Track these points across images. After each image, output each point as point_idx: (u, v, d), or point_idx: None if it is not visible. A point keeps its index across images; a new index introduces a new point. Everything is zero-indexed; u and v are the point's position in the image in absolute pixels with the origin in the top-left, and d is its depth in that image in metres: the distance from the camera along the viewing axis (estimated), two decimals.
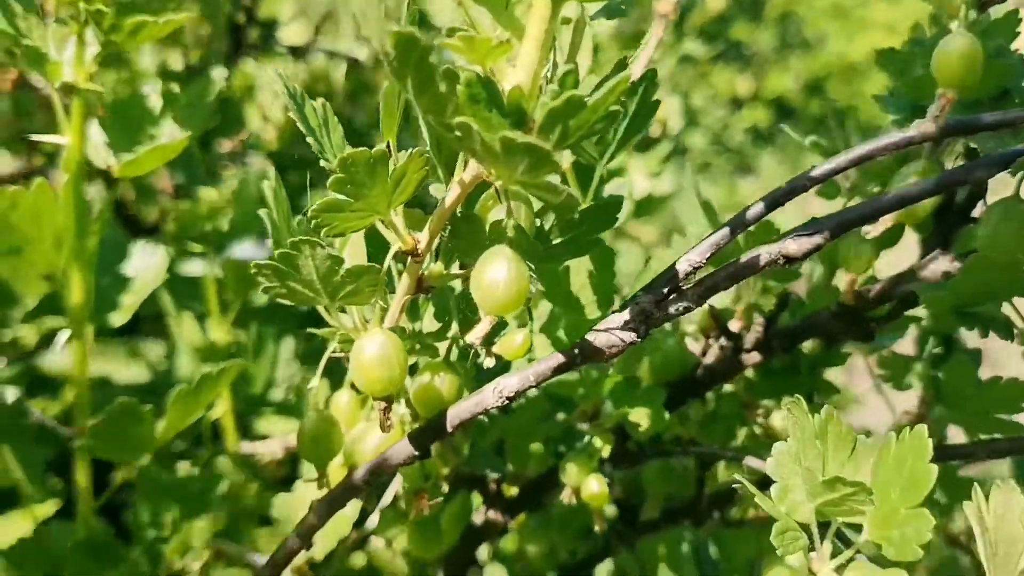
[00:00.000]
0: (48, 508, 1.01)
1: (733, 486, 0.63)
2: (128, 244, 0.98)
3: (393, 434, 0.70)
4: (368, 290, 0.64)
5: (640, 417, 0.78)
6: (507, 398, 0.62)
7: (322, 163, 0.56)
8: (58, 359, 1.46)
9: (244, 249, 1.23)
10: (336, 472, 0.76)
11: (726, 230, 0.62)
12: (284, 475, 1.31)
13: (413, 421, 0.71)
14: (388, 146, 0.55)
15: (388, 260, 0.61)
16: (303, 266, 0.61)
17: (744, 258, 0.62)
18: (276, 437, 1.24)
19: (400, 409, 0.70)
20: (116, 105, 0.87)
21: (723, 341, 0.84)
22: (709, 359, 0.85)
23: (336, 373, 1.19)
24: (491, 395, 0.63)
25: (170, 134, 0.87)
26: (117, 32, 0.74)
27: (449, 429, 0.65)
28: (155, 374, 1.47)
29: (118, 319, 0.94)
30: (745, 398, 0.89)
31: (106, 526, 0.98)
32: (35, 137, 0.81)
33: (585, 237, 0.66)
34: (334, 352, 0.72)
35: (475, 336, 0.53)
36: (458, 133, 0.47)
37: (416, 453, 0.66)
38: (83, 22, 0.76)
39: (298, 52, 1.52)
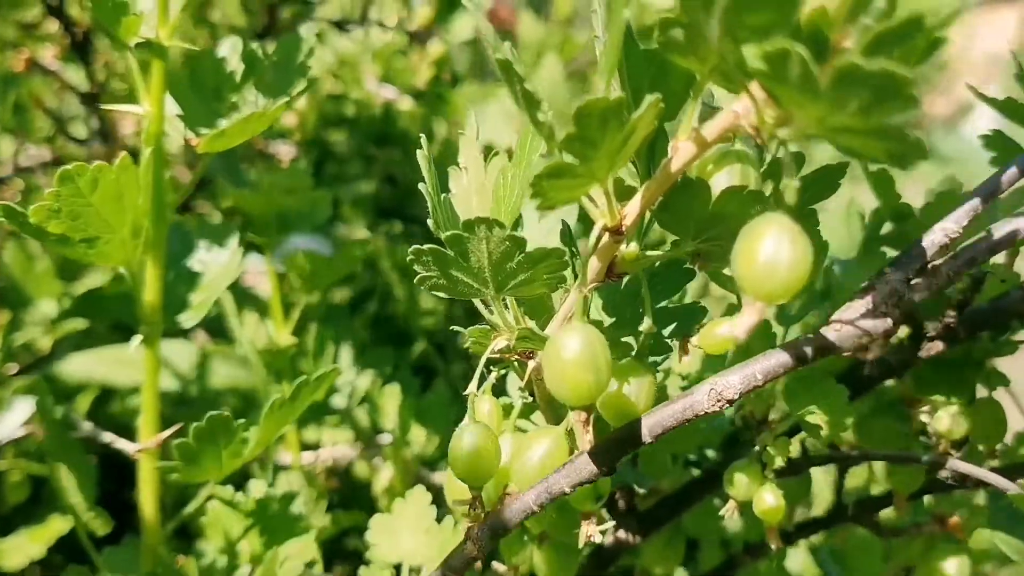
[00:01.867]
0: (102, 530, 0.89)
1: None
2: (194, 235, 0.86)
3: (557, 450, 0.59)
4: (545, 278, 0.53)
5: (819, 419, 0.67)
6: (728, 401, 0.52)
7: (539, 117, 0.45)
8: (77, 366, 1.34)
9: (299, 242, 1.12)
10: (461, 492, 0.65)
11: (978, 198, 0.52)
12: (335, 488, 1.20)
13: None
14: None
15: (594, 238, 0.49)
16: (474, 251, 0.51)
17: (1002, 228, 0.52)
18: (333, 446, 1.14)
19: (572, 417, 0.59)
20: (190, 69, 0.75)
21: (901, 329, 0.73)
22: (876, 350, 0.75)
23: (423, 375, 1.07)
24: (706, 398, 0.52)
25: (254, 103, 0.76)
26: None
27: (647, 440, 0.54)
28: (184, 382, 1.36)
29: (188, 320, 0.82)
30: (907, 394, 0.79)
31: (172, 556, 0.87)
32: (110, 107, 0.69)
33: (803, 207, 0.55)
34: (482, 352, 0.61)
35: (740, 329, 0.42)
36: (759, 64, 0.36)
37: (601, 470, 0.56)
38: None
39: (343, 26, 1.40)
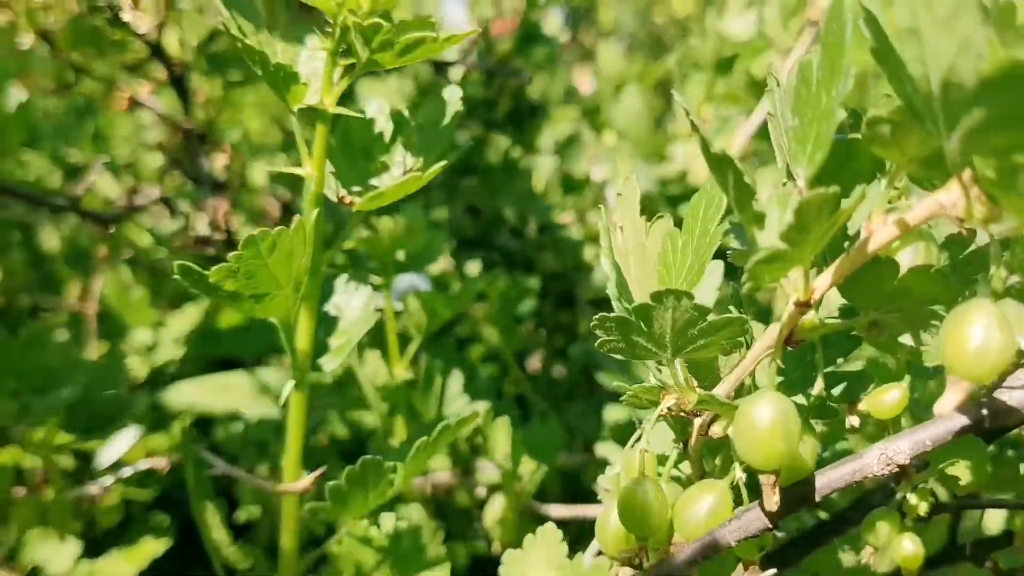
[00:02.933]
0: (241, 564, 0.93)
1: None
2: (331, 279, 0.89)
3: (722, 504, 0.62)
4: (724, 344, 0.56)
5: (960, 470, 0.70)
6: (898, 466, 0.55)
7: (755, 208, 0.48)
8: (180, 395, 1.38)
9: (406, 280, 1.16)
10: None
11: None
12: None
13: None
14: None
15: (786, 311, 0.52)
16: (658, 319, 0.54)
17: None
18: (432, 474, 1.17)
19: (738, 474, 0.62)
20: (342, 129, 0.79)
21: None
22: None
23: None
24: (875, 462, 0.55)
25: (402, 162, 0.79)
26: (387, 50, 0.66)
27: (817, 499, 0.57)
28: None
29: (328, 363, 0.86)
30: None
31: None
32: (277, 169, 0.72)
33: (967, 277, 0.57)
34: (638, 406, 0.64)
35: (946, 406, 0.45)
36: (990, 173, 0.39)
37: (770, 525, 0.58)
38: (339, 37, 0.68)
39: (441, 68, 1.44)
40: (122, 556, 1.30)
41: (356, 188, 0.78)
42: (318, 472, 0.83)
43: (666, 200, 1.40)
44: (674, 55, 1.52)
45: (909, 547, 0.70)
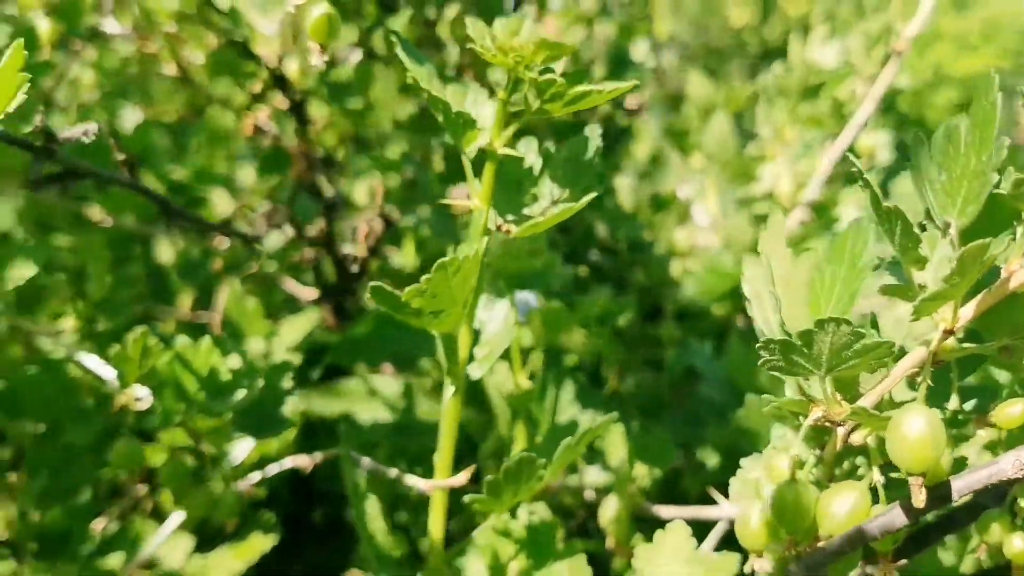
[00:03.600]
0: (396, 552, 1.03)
1: None
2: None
3: (863, 503, 0.70)
4: (871, 363, 0.64)
5: None
6: None
7: (922, 252, 0.56)
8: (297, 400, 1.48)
9: (521, 297, 1.25)
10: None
11: None
12: None
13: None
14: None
15: (936, 339, 0.61)
16: (818, 342, 0.62)
17: None
18: None
19: (876, 476, 0.70)
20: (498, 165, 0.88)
21: None
22: None
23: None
24: (1010, 467, 0.63)
25: (550, 193, 0.88)
26: (556, 101, 0.75)
27: (955, 498, 0.65)
28: (396, 413, 1.49)
29: (475, 372, 0.95)
30: None
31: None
32: (446, 201, 0.82)
33: None
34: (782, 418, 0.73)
35: None
36: None
37: (911, 521, 0.67)
38: (510, 88, 0.77)
39: None
40: (231, 552, 1.39)
41: (510, 217, 0.87)
42: (470, 469, 0.92)
43: (754, 219, 1.48)
44: (759, 81, 1.60)
45: (1019, 544, 0.78)
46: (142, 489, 1.46)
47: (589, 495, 1.25)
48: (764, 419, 1.20)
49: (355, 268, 1.64)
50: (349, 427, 1.44)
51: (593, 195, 0.81)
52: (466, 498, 0.90)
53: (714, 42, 3.16)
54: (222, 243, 1.70)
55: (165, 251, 1.80)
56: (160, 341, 0.96)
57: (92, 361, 1.02)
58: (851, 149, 1.50)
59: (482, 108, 0.82)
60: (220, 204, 1.71)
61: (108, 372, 1.00)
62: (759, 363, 0.67)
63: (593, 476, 1.27)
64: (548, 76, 0.73)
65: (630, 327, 1.55)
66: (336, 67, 1.46)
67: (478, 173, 0.82)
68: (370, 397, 1.48)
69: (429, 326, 0.82)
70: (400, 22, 1.25)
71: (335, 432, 1.44)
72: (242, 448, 1.27)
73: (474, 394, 1.25)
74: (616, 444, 1.11)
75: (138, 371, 0.96)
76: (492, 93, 0.84)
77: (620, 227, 1.59)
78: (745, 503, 0.83)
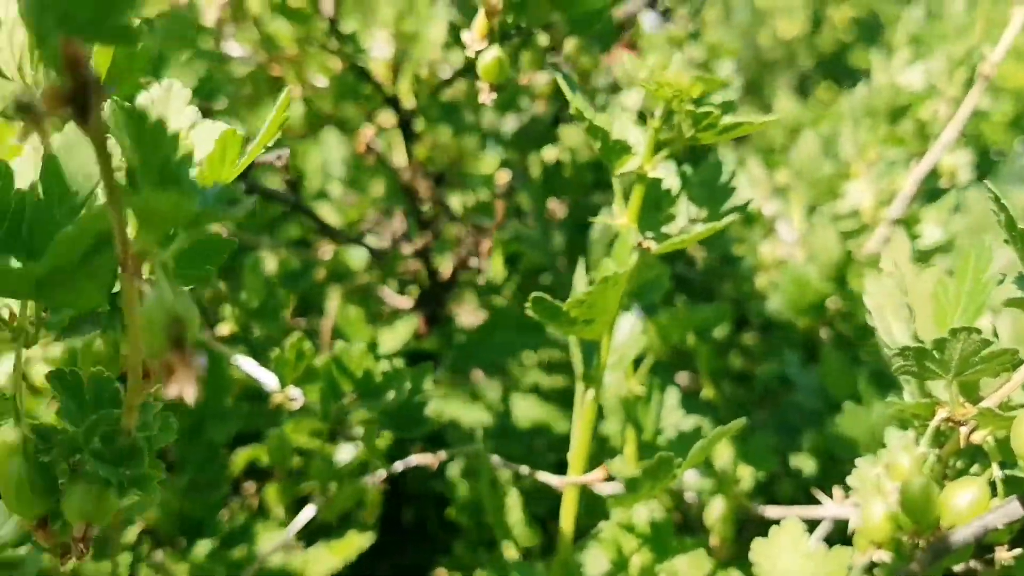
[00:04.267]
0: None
1: None
2: None
3: (983, 496, 0.77)
4: (996, 368, 0.71)
5: None
6: None
7: None
8: None
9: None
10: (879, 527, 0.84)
11: None
12: None
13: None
14: None
15: None
16: (949, 348, 0.69)
17: None
18: None
19: (996, 471, 0.77)
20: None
21: None
22: None
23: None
24: None
25: (686, 213, 0.96)
26: (709, 130, 0.83)
27: None
28: (495, 416, 1.57)
29: (610, 376, 1.03)
30: None
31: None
32: (598, 219, 0.90)
33: None
34: (906, 419, 0.80)
35: None
36: None
37: None
38: (665, 118, 0.85)
39: None
40: (328, 549, 1.45)
41: (650, 234, 0.94)
42: (603, 467, 1.00)
43: (841, 235, 1.55)
44: (846, 102, 1.67)
45: None
46: (250, 487, 1.56)
47: (689, 496, 1.32)
48: (861, 425, 1.27)
49: (447, 278, 1.73)
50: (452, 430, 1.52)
51: (736, 217, 0.89)
52: (607, 492, 0.97)
53: (764, 54, 3.20)
54: (325, 254, 1.80)
55: (269, 261, 1.90)
56: (312, 346, 1.05)
57: (248, 364, 1.11)
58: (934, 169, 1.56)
59: (630, 134, 0.90)
60: (330, 217, 1.80)
61: (265, 374, 1.08)
62: (893, 368, 0.74)
63: (690, 478, 1.34)
64: (705, 108, 0.81)
65: (722, 337, 1.62)
66: (446, 87, 1.55)
67: (624, 194, 0.90)
68: (473, 401, 1.56)
69: (580, 333, 0.90)
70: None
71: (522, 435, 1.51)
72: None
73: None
74: (721, 447, 1.18)
75: (294, 373, 1.05)
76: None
77: (708, 241, 1.66)
78: (866, 499, 0.90)
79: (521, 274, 1.64)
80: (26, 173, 0.49)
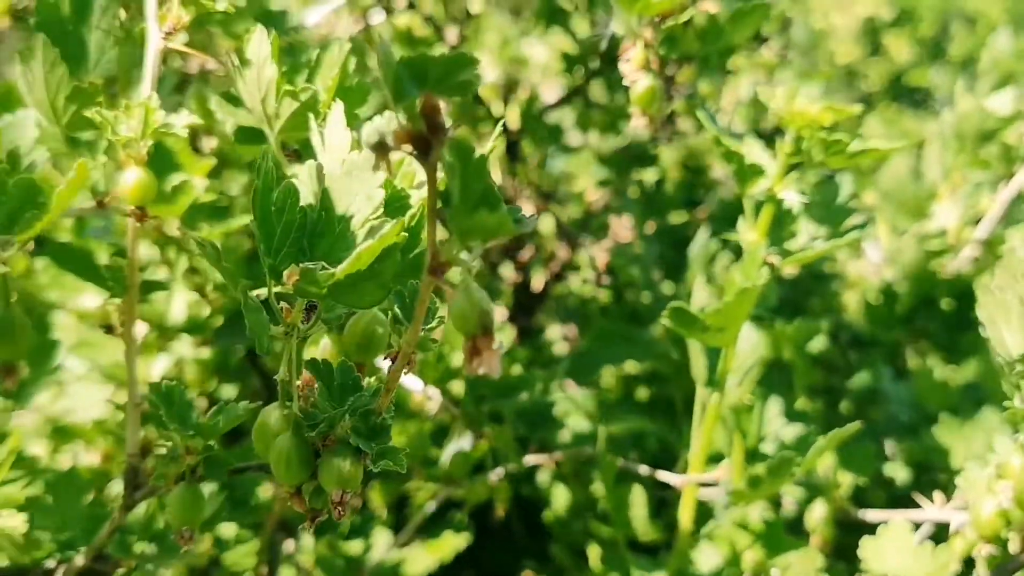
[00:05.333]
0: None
1: None
2: None
3: None
4: None
5: None
6: None
7: None
8: None
9: None
10: None
11: None
12: None
13: None
14: None
15: None
16: None
17: None
18: None
19: None
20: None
21: None
22: None
23: None
24: None
25: (805, 231, 1.03)
26: (838, 155, 0.91)
27: None
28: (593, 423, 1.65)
29: (732, 382, 1.10)
30: None
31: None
32: (729, 236, 0.98)
33: None
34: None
35: None
36: None
37: None
38: (796, 143, 0.93)
39: None
40: (424, 548, 1.52)
41: (772, 250, 1.02)
42: (725, 467, 1.07)
43: (927, 255, 1.61)
44: (934, 125, 1.73)
45: None
46: None
47: (787, 502, 1.39)
48: (956, 435, 1.33)
49: (539, 291, 1.83)
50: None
51: (858, 235, 0.96)
52: (730, 489, 1.05)
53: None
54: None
55: None
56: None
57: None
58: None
59: (762, 158, 0.98)
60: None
61: (410, 378, 1.18)
62: (1007, 375, 0.81)
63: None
64: (835, 136, 0.89)
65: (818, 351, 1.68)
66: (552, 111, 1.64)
67: (750, 213, 0.98)
68: (576, 409, 1.64)
69: (712, 341, 0.98)
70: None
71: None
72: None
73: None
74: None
75: (434, 374, 1.14)
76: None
77: None
78: (976, 498, 0.96)
79: (613, 288, 1.72)
80: (304, 194, 0.58)
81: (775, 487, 1.04)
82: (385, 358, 0.60)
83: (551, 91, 1.78)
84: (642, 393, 1.71)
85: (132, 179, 0.67)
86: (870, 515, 1.27)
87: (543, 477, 1.58)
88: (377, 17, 1.56)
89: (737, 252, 1.62)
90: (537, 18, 1.46)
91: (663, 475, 1.14)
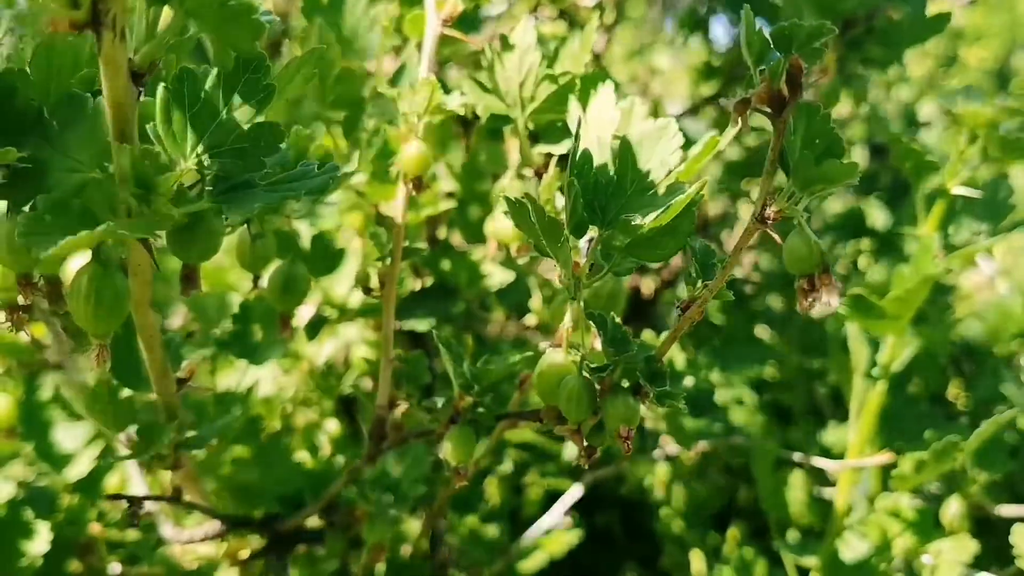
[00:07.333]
0: None
1: None
2: None
3: None
4: None
5: None
6: None
7: None
8: None
9: None
10: None
11: None
12: None
13: None
14: None
15: None
16: None
17: None
18: None
19: None
20: None
21: None
22: None
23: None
24: None
25: (967, 226, 1.09)
26: (1015, 153, 0.96)
27: None
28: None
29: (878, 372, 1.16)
30: None
31: None
32: (904, 230, 1.04)
33: None
34: None
35: None
36: None
37: None
38: (969, 139, 0.99)
39: None
40: (538, 544, 1.56)
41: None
42: (889, 453, 1.13)
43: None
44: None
45: None
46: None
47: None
48: None
49: (650, 296, 1.89)
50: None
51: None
52: (893, 472, 1.10)
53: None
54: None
55: None
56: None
57: None
58: None
59: (937, 156, 1.04)
60: None
61: None
62: None
63: None
64: (1015, 136, 0.95)
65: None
66: None
67: (922, 207, 1.04)
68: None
69: (886, 329, 1.04)
70: None
71: None
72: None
73: None
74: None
75: None
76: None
77: None
78: None
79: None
80: (596, 158, 0.66)
81: (938, 471, 1.09)
82: (678, 306, 0.67)
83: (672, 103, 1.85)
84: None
85: (413, 151, 0.75)
86: (1005, 510, 1.31)
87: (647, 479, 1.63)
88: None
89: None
90: (680, 27, 1.53)
91: (820, 461, 1.19)
